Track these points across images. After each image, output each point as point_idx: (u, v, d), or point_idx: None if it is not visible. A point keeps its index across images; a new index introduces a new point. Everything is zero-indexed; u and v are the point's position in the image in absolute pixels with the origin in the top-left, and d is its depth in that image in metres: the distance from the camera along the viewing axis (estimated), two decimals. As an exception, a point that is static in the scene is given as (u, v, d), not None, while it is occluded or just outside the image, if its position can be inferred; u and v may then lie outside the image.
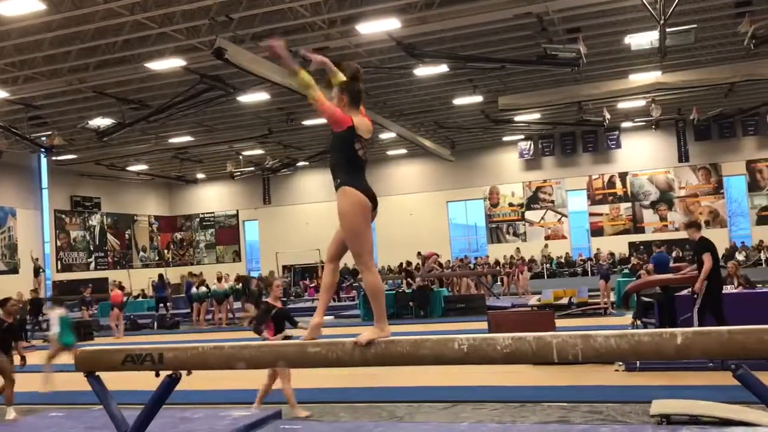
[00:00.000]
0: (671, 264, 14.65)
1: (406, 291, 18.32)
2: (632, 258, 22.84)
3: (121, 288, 19.84)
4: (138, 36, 15.61)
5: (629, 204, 30.06)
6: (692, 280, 8.34)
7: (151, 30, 15.11)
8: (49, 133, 22.38)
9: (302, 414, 6.44)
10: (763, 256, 26.54)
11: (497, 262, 26.88)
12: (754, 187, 28.67)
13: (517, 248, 27.59)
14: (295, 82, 3.61)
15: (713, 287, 7.82)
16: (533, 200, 31.27)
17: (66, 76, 17.77)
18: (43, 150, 24.04)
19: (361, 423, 6.13)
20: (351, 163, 3.71)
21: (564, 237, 30.90)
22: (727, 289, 10.39)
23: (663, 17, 13.47)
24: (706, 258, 7.83)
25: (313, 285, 27.71)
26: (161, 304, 20.59)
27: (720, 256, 22.31)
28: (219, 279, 19.09)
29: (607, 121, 24.33)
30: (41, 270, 26.61)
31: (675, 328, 3.34)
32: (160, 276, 21.84)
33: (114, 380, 4.30)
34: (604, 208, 30.39)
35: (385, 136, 26.07)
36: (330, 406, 7.05)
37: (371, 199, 3.68)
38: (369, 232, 3.71)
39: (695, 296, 7.93)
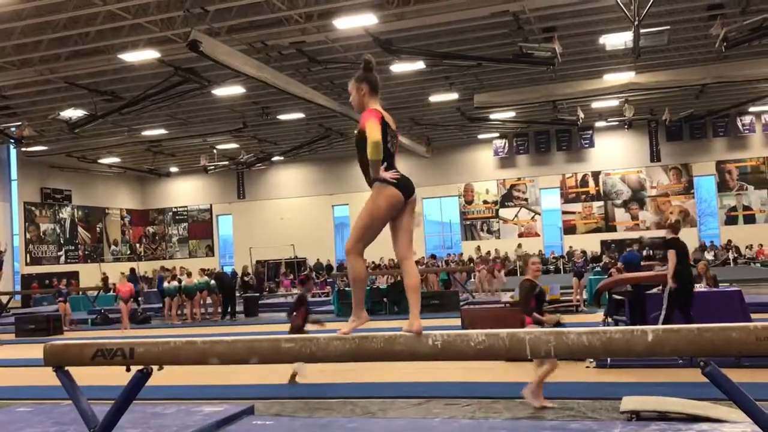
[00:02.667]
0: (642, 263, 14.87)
1: (381, 287, 18.35)
2: (604, 256, 23.11)
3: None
4: (111, 27, 15.41)
5: (602, 203, 30.40)
6: (661, 279, 8.46)
7: (124, 21, 14.92)
8: (19, 123, 22.00)
9: (540, 404, 6.07)
10: (731, 256, 27.01)
11: (471, 259, 27.00)
12: (723, 187, 29.16)
13: (478, 246, 27.74)
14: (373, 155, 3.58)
15: (681, 286, 7.90)
16: (507, 198, 31.49)
17: (37, 65, 17.48)
18: (12, 141, 23.64)
19: (335, 419, 6.12)
20: (384, 158, 3.61)
21: (537, 234, 31.17)
22: (697, 288, 10.56)
23: (637, 18, 13.63)
24: (671, 255, 7.96)
25: (290, 278, 27.63)
26: (132, 299, 20.31)
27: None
28: (189, 274, 18.93)
29: (581, 121, 24.57)
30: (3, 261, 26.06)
31: (646, 326, 3.38)
32: (132, 270, 21.61)
33: (84, 375, 4.25)
34: (577, 207, 30.71)
35: (361, 131, 26.00)
36: (303, 402, 7.03)
37: (407, 190, 3.64)
38: (379, 228, 3.68)
39: (662, 294, 8.06)
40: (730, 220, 29.05)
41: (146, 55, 16.30)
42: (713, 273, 11.49)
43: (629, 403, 5.65)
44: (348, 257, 3.68)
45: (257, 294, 21.90)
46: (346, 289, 18.97)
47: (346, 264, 3.74)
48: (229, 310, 18.41)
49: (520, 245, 30.37)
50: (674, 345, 3.22)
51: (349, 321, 3.65)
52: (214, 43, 14.48)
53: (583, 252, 24.41)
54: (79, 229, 32.23)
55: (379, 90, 3.82)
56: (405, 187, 3.63)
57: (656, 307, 8.26)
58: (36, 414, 6.43)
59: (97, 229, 33.40)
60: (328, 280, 25.49)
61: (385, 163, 3.63)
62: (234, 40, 15.59)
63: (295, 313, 8.28)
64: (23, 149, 26.04)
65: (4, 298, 23.87)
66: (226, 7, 14.55)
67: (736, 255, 27.25)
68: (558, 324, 6.40)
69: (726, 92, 24.27)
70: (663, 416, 5.37)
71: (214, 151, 29.06)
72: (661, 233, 28.47)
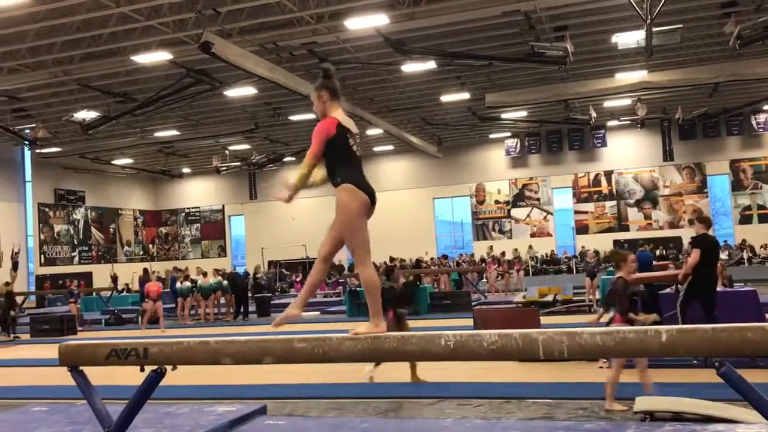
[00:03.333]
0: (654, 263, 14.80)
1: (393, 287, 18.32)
2: (617, 256, 22.95)
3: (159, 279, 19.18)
4: (124, 29, 15.50)
5: (614, 202, 30.24)
6: (674, 279, 8.37)
7: (137, 23, 15.00)
8: (33, 125, 22.18)
9: (618, 408, 5.85)
10: (745, 255, 26.79)
11: (482, 260, 26.93)
12: (737, 186, 28.93)
13: (490, 246, 27.67)
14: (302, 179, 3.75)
15: (698, 282, 7.80)
16: (519, 198, 31.39)
17: (51, 68, 17.61)
18: (26, 142, 23.82)
19: (347, 419, 6.12)
20: (348, 161, 3.74)
21: (549, 234, 31.05)
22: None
23: (650, 17, 13.55)
24: (694, 253, 7.84)
25: (299, 279, 27.67)
26: (146, 299, 20.41)
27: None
28: (204, 274, 19.02)
29: (594, 120, 24.45)
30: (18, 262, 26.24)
31: (659, 326, 3.36)
32: (145, 270, 21.72)
33: (98, 375, 4.27)
34: (590, 206, 30.56)
35: (372, 132, 26.04)
36: (316, 402, 7.04)
37: (370, 196, 3.72)
38: (365, 229, 3.73)
39: (679, 291, 7.97)
40: (745, 220, 28.82)
41: (158, 56, 16.38)
42: (728, 273, 11.41)
43: (643, 403, 5.62)
44: (357, 269, 3.76)
45: (270, 294, 21.96)
46: (358, 289, 19.00)
47: (359, 274, 3.80)
48: (241, 310, 18.47)
49: (531, 246, 30.20)
50: (689, 345, 3.20)
51: (368, 324, 3.67)
52: (225, 44, 14.53)
53: (596, 252, 24.30)
54: (93, 229, 32.44)
55: (341, 95, 3.92)
56: (371, 193, 3.74)
57: (670, 307, 8.20)
58: (51, 413, 6.47)
59: (111, 229, 33.60)
60: (339, 280, 25.49)
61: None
62: (246, 41, 15.64)
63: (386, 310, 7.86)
64: (37, 151, 26.25)
65: (19, 299, 24.08)
66: (237, 8, 14.59)
67: (750, 254, 27.01)
68: (655, 323, 6.12)
69: (740, 90, 24.07)
70: (677, 417, 5.34)
71: (226, 152, 29.16)
72: (672, 233, 28.42)
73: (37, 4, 13.77)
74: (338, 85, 3.94)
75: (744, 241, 27.66)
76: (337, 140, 3.73)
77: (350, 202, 3.66)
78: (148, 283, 17.31)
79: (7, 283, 19.65)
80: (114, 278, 28.14)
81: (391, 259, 22.92)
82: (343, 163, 3.74)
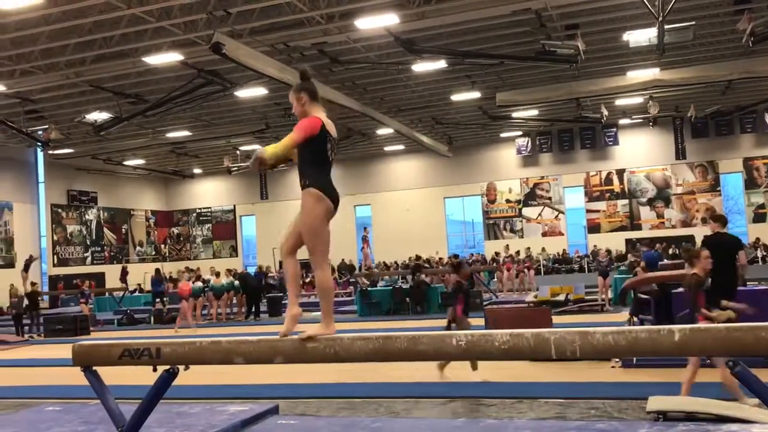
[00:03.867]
0: (663, 262, 14.76)
1: (404, 287, 18.35)
2: (629, 255, 22.88)
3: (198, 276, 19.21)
4: (135, 30, 15.57)
5: (626, 201, 30.08)
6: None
7: (148, 24, 15.06)
8: (46, 127, 22.32)
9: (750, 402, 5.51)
10: (759, 254, 26.58)
11: (494, 259, 26.86)
12: (750, 184, 28.71)
13: (506, 245, 27.56)
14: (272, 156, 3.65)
15: (711, 284, 7.72)
16: (530, 196, 31.28)
17: (63, 69, 17.72)
18: (39, 144, 23.98)
19: (359, 418, 6.13)
20: (320, 164, 3.80)
21: (561, 233, 30.92)
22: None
23: (662, 14, 13.47)
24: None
25: (308, 280, 27.69)
26: (158, 299, 20.55)
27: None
28: (217, 274, 19.10)
29: (605, 118, 24.32)
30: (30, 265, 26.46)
31: (672, 325, 3.34)
32: (157, 270, 21.80)
33: (111, 375, 4.30)
34: (601, 205, 30.41)
35: (383, 131, 26.04)
36: (327, 401, 7.05)
37: (334, 200, 3.80)
38: (327, 234, 3.81)
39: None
40: (758, 218, 28.59)
41: (170, 57, 16.45)
42: (741, 272, 11.30)
43: (656, 403, 5.59)
44: (315, 272, 3.80)
45: (281, 294, 22.00)
46: (369, 289, 19.02)
47: (315, 277, 3.84)
48: (253, 310, 18.53)
49: (543, 249, 29.97)
50: (702, 344, 3.18)
51: (319, 326, 3.73)
52: (236, 45, 14.56)
53: (608, 251, 24.19)
54: (105, 230, 32.63)
55: (319, 96, 3.94)
56: (335, 199, 3.81)
57: (682, 307, 8.15)
58: (65, 413, 6.52)
59: (123, 230, 33.78)
60: (350, 280, 25.52)
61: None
62: (256, 41, 15.68)
63: (453, 304, 7.94)
64: (50, 152, 26.41)
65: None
66: (248, 9, 14.63)
67: (764, 253, 26.80)
68: (729, 320, 5.93)
69: (753, 88, 23.88)
70: (690, 416, 5.31)
71: (237, 152, 29.23)
72: (685, 231, 28.22)
73: (49, 6, 13.86)
74: (316, 86, 3.98)
75: (758, 239, 27.41)
76: (316, 142, 3.77)
77: (315, 207, 3.73)
78: (180, 283, 17.49)
79: (33, 284, 19.87)
80: (124, 270, 28.30)
81: (418, 258, 22.87)
82: (315, 166, 3.79)
